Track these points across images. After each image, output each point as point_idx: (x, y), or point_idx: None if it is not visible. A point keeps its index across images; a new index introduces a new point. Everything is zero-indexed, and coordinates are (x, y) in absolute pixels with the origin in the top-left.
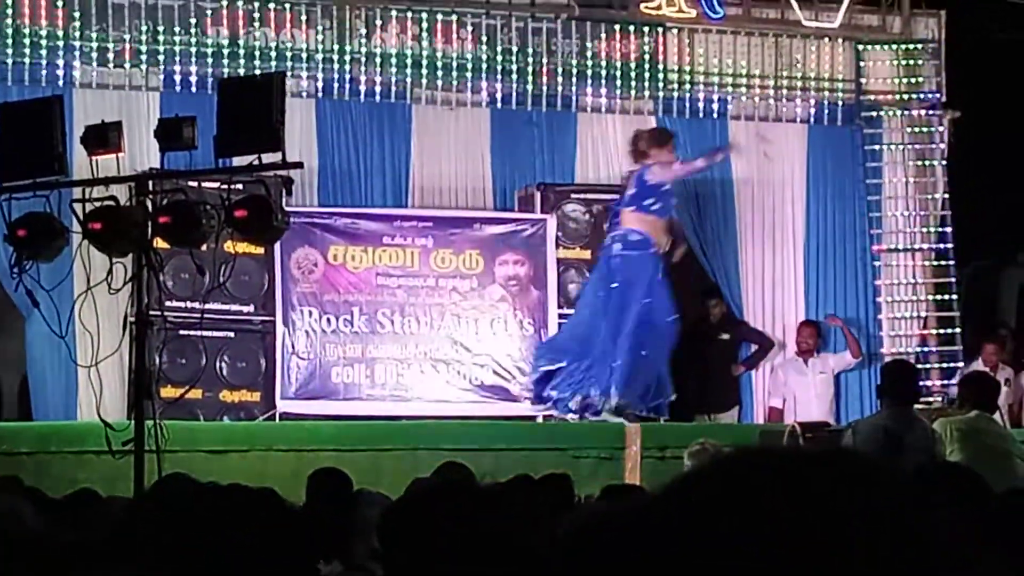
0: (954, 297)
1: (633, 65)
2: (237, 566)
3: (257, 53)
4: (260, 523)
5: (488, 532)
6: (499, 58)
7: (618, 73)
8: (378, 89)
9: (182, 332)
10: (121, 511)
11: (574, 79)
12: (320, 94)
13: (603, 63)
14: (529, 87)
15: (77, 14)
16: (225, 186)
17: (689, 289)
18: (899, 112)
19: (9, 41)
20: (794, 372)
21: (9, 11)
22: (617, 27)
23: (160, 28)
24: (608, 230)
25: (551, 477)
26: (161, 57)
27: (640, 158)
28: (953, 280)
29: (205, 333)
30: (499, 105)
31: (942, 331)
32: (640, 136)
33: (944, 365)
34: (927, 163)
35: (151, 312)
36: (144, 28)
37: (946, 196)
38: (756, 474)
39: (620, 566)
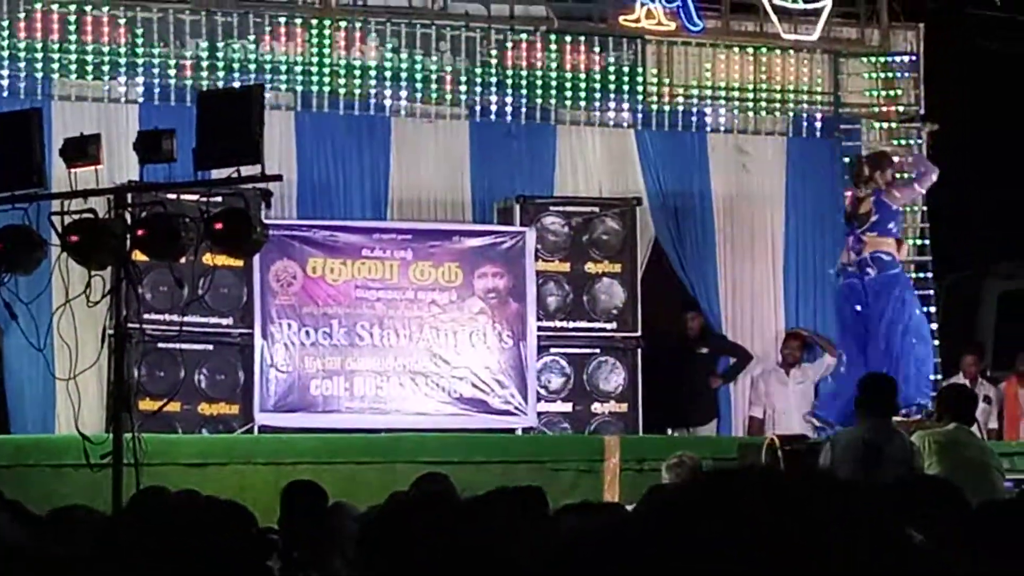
0: (933, 309)
1: (612, 78)
2: None
3: (236, 65)
4: (231, 538)
5: (466, 545)
6: (478, 70)
7: (597, 86)
8: (357, 101)
9: (160, 345)
10: (102, 525)
11: (553, 92)
12: (299, 106)
13: (582, 76)
14: (508, 99)
15: (56, 26)
16: (204, 199)
17: (667, 302)
18: (878, 125)
19: None
20: (775, 382)
21: None
22: (596, 40)
23: (139, 40)
24: (854, 254)
25: (524, 490)
26: (140, 69)
27: (866, 183)
28: (932, 292)
29: (184, 346)
30: (478, 118)
31: None
32: (862, 162)
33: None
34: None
35: (130, 325)
36: (123, 40)
37: (925, 208)
38: (736, 486)
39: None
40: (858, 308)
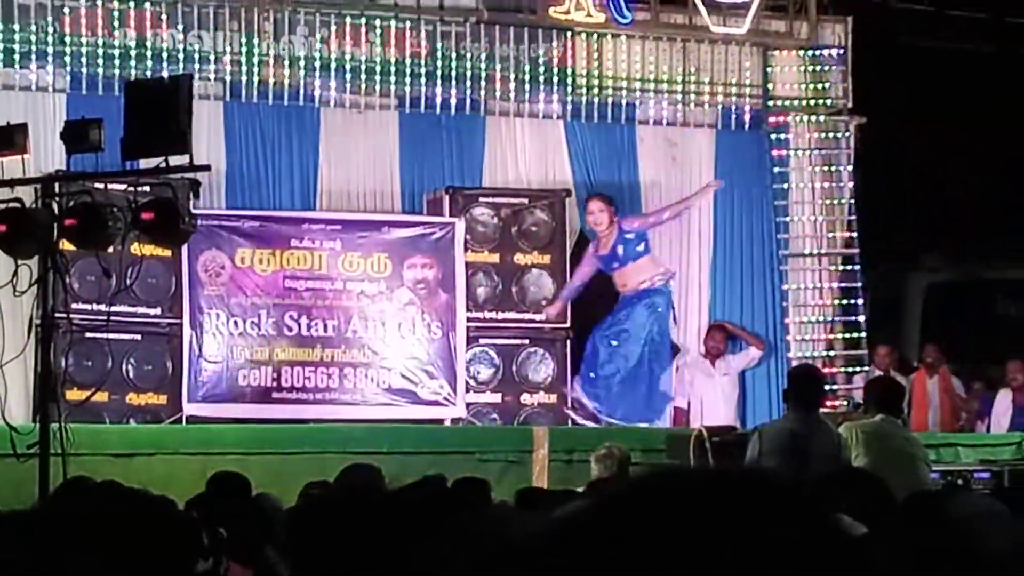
0: (860, 301)
1: (542, 69)
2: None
3: (164, 55)
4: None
5: (394, 539)
6: (408, 61)
7: (527, 77)
8: (286, 92)
9: (88, 335)
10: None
11: (483, 83)
12: (228, 96)
13: (511, 67)
14: (438, 90)
15: None
16: (132, 188)
17: (596, 294)
18: (806, 118)
19: None
20: (700, 374)
21: None
22: (526, 31)
23: (66, 29)
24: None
25: (468, 481)
26: (67, 58)
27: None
28: (859, 285)
29: (111, 336)
30: (407, 108)
31: (848, 335)
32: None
33: (850, 369)
34: (833, 168)
35: (57, 314)
36: (50, 29)
37: (852, 201)
38: (663, 503)
39: None
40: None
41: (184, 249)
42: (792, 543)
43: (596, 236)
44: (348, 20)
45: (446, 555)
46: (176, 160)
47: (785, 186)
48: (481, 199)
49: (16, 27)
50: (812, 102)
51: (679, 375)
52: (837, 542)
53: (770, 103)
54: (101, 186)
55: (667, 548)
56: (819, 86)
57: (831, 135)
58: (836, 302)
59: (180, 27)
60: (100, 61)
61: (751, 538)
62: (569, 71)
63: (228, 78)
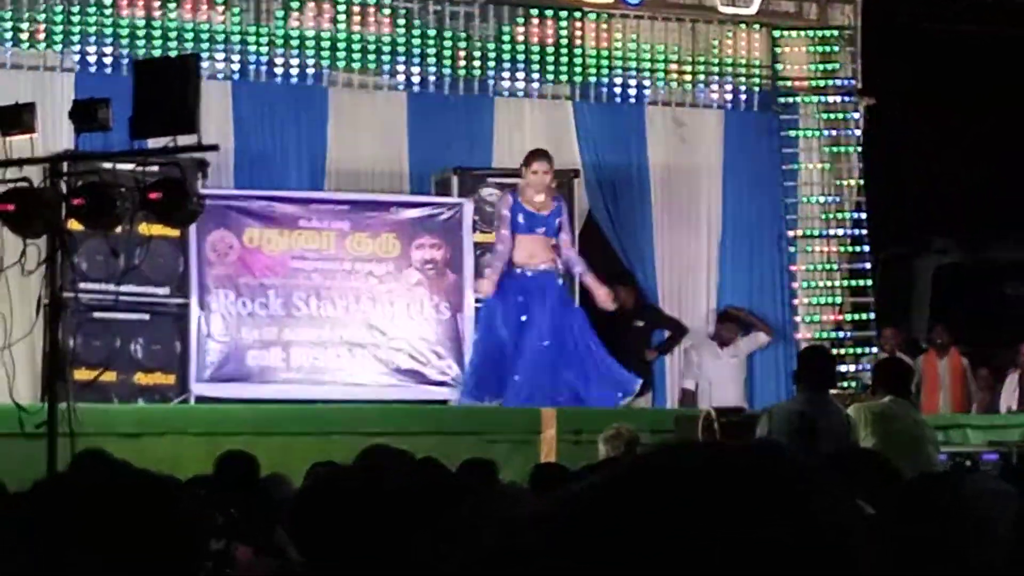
0: (868, 283)
1: (551, 50)
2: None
3: (173, 35)
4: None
5: (399, 520)
6: (416, 42)
7: (535, 58)
8: (295, 72)
9: (96, 314)
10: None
11: (491, 63)
12: (236, 76)
13: (521, 48)
14: (446, 71)
15: None
16: (140, 168)
17: (600, 274)
18: (815, 98)
19: None
20: (708, 355)
21: None
22: (535, 12)
23: (74, 8)
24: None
25: (475, 462)
26: (76, 38)
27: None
28: (868, 266)
29: (119, 315)
30: (416, 89)
31: (856, 317)
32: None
33: (858, 350)
34: (842, 149)
35: (65, 294)
36: (58, 8)
37: (861, 182)
38: (669, 482)
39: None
40: None
41: (192, 229)
42: (782, 546)
43: (521, 195)
44: (357, 0)
45: (444, 550)
46: (184, 140)
47: (794, 167)
48: (489, 179)
49: (24, 6)
50: (821, 83)
51: (687, 356)
52: (828, 545)
53: (779, 84)
54: (109, 166)
55: (656, 547)
56: (828, 67)
57: (840, 116)
58: (845, 283)
59: (188, 6)
60: (108, 40)
61: (740, 540)
62: (578, 51)
63: (237, 58)
